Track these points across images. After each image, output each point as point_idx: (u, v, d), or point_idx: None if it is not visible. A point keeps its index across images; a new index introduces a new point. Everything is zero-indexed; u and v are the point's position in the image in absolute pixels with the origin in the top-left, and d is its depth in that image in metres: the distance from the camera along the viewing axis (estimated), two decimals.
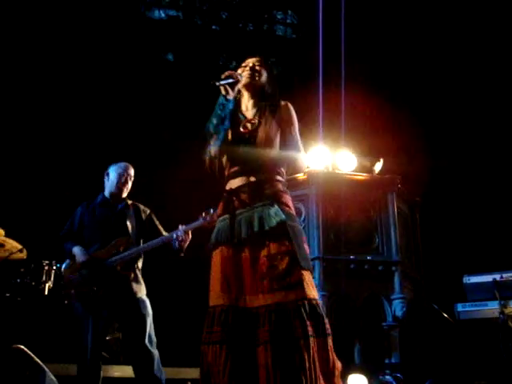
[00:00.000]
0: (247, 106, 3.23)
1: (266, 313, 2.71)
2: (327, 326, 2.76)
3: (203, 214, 4.27)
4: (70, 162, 7.71)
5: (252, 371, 2.67)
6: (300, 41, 10.47)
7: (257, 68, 3.21)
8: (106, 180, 4.59)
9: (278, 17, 10.93)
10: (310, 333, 2.68)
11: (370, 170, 6.75)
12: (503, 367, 5.10)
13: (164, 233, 4.54)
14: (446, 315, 6.06)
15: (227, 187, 3.03)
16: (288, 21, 10.92)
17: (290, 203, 3.01)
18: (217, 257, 2.92)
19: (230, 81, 3.01)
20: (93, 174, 4.82)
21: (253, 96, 3.22)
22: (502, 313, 5.12)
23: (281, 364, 2.63)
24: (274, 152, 3.04)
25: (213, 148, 3.05)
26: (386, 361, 6.02)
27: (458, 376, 6.19)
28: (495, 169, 8.56)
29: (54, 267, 5.63)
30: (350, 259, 5.88)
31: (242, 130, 3.07)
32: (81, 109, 8.51)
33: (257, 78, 3.19)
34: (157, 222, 4.64)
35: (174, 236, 4.32)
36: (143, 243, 4.46)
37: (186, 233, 4.32)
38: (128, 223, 4.47)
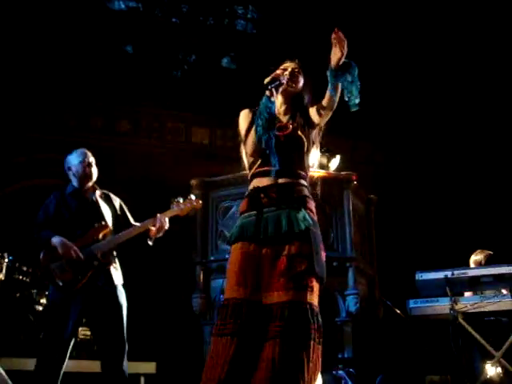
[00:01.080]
0: (279, 110, 3.22)
1: (279, 309, 2.76)
2: (321, 335, 2.82)
3: (175, 203, 4.28)
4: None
5: (256, 365, 2.71)
6: (260, 36, 10.47)
7: (296, 74, 3.21)
8: (70, 173, 4.41)
9: (239, 11, 10.92)
10: (313, 336, 2.75)
11: (326, 167, 6.80)
12: (453, 362, 5.19)
13: (133, 221, 4.49)
14: (398, 311, 6.14)
15: (254, 185, 3.05)
16: (249, 16, 10.92)
17: (314, 209, 3.06)
18: (236, 251, 2.94)
19: (277, 83, 3.04)
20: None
21: (286, 101, 3.22)
22: (452, 309, 5.18)
23: (286, 360, 2.68)
24: (306, 157, 3.11)
25: (253, 147, 3.05)
26: (339, 355, 6.08)
27: (410, 370, 6.29)
28: (447, 170, 8.72)
29: (6, 260, 5.53)
30: None
31: (277, 133, 3.06)
32: (37, 98, 8.38)
33: (294, 85, 3.18)
34: (127, 211, 4.56)
35: (155, 223, 4.26)
36: (117, 231, 4.38)
37: (162, 220, 4.30)
38: (103, 211, 4.37)
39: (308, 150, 3.12)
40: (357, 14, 9.52)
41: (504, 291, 5.32)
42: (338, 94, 3.00)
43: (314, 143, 3.19)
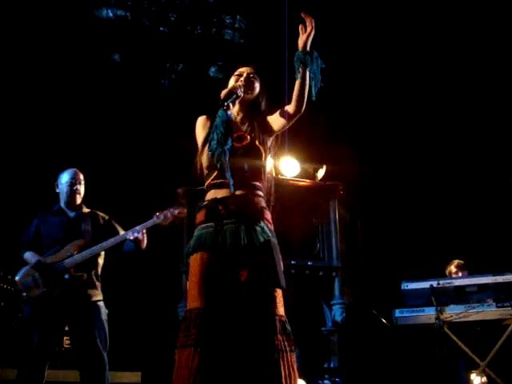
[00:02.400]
0: (236, 118, 3.17)
1: (241, 323, 2.74)
2: (293, 342, 2.81)
3: (157, 213, 4.26)
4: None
5: (225, 376, 2.68)
6: (247, 45, 10.50)
7: (252, 80, 3.14)
8: (57, 190, 4.53)
9: (227, 21, 10.94)
10: (279, 347, 2.73)
11: (312, 176, 6.81)
12: (439, 371, 5.21)
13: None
14: (384, 320, 6.16)
15: (210, 196, 3.01)
16: (236, 25, 10.94)
17: (271, 220, 3.03)
18: (196, 261, 2.90)
19: (234, 97, 2.95)
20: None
21: (243, 108, 3.17)
22: (438, 318, 5.23)
23: (251, 374, 2.67)
24: (263, 168, 3.06)
25: (208, 160, 3.00)
26: (325, 365, 6.08)
27: (396, 380, 6.30)
28: (433, 180, 8.76)
29: None
30: (291, 264, 5.91)
31: (235, 144, 3.00)
32: (23, 110, 8.34)
33: (250, 91, 3.13)
34: (117, 226, 4.58)
35: (128, 236, 4.27)
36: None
37: (140, 232, 4.29)
38: (83, 227, 4.43)
39: (265, 160, 3.07)
40: (342, 25, 9.57)
41: (489, 301, 5.36)
42: (307, 84, 2.93)
43: (270, 152, 3.14)
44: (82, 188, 4.53)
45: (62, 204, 4.50)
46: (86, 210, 4.55)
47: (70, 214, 4.47)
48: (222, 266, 2.84)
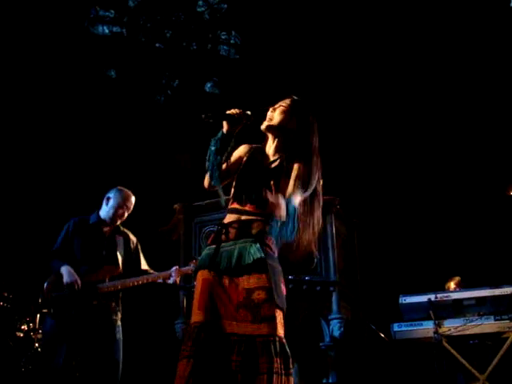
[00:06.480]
0: (271, 148, 3.16)
1: (237, 342, 2.77)
2: (291, 365, 2.81)
3: (194, 261, 4.39)
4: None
5: None
6: (243, 61, 10.55)
7: (277, 110, 3.11)
8: (104, 203, 4.53)
9: (222, 37, 11.00)
10: (276, 370, 2.72)
11: None
12: None
13: (144, 265, 4.57)
14: (382, 335, 6.14)
15: (225, 220, 3.07)
16: (232, 41, 11.00)
17: (272, 245, 3.01)
18: (199, 278, 2.97)
19: (230, 118, 3.00)
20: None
21: (274, 140, 3.15)
22: (436, 332, 5.21)
23: None
24: (274, 201, 3.00)
25: (206, 181, 3.10)
26: (324, 381, 6.05)
27: None
28: (431, 193, 8.78)
29: None
30: (288, 279, 5.89)
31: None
32: (19, 125, 8.36)
33: (271, 123, 3.11)
34: (141, 254, 4.65)
35: (169, 281, 4.40)
36: (126, 272, 4.45)
37: (177, 277, 4.41)
38: (118, 252, 4.45)
39: (277, 199, 2.98)
40: (337, 38, 9.63)
41: (487, 314, 5.35)
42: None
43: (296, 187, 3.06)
44: (126, 215, 4.56)
45: (102, 217, 4.51)
46: (120, 230, 4.57)
47: (109, 233, 4.50)
48: (220, 283, 2.89)
